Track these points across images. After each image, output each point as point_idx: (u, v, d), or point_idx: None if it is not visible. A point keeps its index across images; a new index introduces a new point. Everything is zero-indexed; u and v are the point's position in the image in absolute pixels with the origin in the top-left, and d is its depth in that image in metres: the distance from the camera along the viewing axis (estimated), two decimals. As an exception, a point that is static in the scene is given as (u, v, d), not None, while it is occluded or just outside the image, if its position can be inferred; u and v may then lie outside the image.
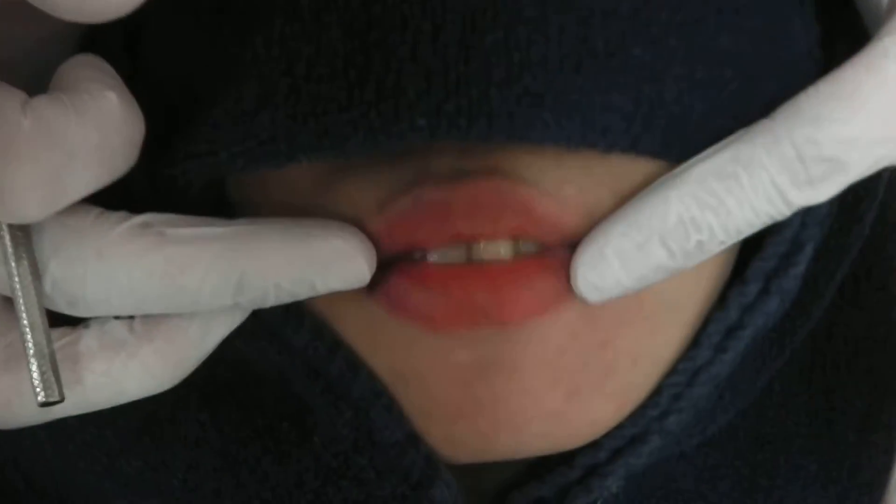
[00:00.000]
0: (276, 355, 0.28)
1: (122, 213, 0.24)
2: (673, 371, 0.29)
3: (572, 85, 0.23)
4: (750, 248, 0.29)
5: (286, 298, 0.24)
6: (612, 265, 0.25)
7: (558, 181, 0.26)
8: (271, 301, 0.24)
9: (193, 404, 0.28)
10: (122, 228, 0.23)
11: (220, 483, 0.28)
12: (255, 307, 0.24)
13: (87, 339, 0.24)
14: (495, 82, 0.23)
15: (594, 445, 0.29)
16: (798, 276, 0.29)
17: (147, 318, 0.24)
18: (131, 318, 0.24)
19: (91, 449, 0.28)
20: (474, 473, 0.30)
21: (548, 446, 0.28)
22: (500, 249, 0.26)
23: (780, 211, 0.24)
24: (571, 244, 0.26)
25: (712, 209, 0.24)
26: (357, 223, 0.26)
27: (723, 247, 0.25)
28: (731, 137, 0.25)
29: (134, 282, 0.23)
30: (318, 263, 0.24)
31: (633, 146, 0.24)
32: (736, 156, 0.24)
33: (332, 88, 0.24)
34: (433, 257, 0.26)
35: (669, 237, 0.24)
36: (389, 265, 0.27)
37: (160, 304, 0.23)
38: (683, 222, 0.24)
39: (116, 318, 0.24)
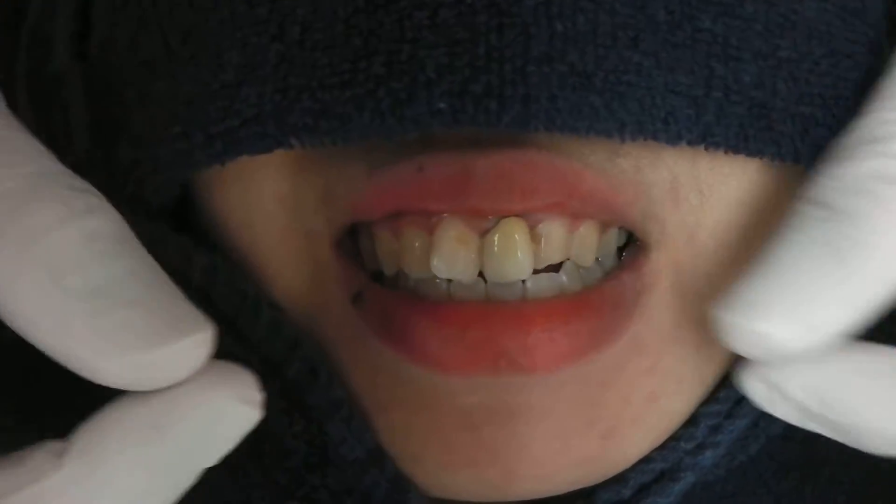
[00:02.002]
0: (233, 345, 0.24)
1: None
2: (713, 399, 0.26)
3: (628, 63, 0.20)
4: None
5: None
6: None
7: (608, 155, 0.22)
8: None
9: None
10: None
11: None
12: None
13: None
14: (534, 57, 0.19)
15: (618, 480, 0.26)
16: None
17: None
18: None
19: None
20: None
21: (570, 488, 0.25)
22: (541, 283, 0.23)
23: None
24: (623, 229, 0.23)
25: None
26: (334, 200, 0.23)
27: None
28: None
29: None
30: None
31: (704, 137, 0.21)
32: None
33: (332, 58, 0.20)
34: (458, 291, 0.24)
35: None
36: (385, 281, 0.24)
37: None
38: None
39: None
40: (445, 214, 0.23)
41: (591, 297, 0.23)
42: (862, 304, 0.21)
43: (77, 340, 0.19)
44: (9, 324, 0.19)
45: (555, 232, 0.24)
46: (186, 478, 0.20)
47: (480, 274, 0.24)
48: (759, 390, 0.22)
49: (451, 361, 0.23)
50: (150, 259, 0.20)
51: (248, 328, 0.25)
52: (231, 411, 0.20)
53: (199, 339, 0.20)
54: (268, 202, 0.25)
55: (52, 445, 0.20)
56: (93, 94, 0.25)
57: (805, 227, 0.21)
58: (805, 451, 0.30)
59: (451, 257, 0.24)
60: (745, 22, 0.21)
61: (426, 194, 0.23)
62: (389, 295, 0.24)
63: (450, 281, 0.24)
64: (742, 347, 0.22)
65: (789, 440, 0.30)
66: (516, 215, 0.23)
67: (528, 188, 0.22)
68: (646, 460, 0.26)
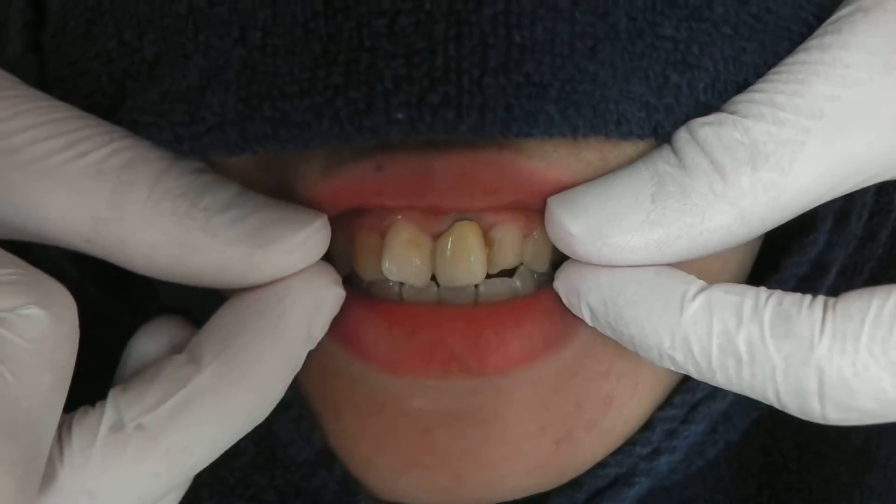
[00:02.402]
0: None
1: (83, 424, 0.20)
2: (668, 403, 0.25)
3: (584, 73, 0.20)
4: (766, 266, 0.26)
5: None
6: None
7: (571, 150, 0.22)
8: None
9: None
10: (99, 450, 0.20)
11: None
12: None
13: None
14: (491, 68, 0.19)
15: (572, 484, 0.26)
16: None
17: None
18: None
19: None
20: None
21: (523, 494, 0.24)
22: (494, 287, 0.23)
23: None
24: None
25: None
26: (292, 193, 0.23)
27: None
28: None
29: (144, 491, 0.21)
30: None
31: (655, 131, 0.21)
32: None
33: (293, 65, 0.19)
34: (407, 292, 0.23)
35: None
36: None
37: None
38: None
39: None
40: (399, 217, 0.23)
41: (543, 298, 0.23)
42: (667, 252, 0.21)
43: (228, 246, 0.21)
44: (148, 266, 0.21)
45: (509, 237, 0.24)
46: (300, 363, 0.22)
47: (434, 278, 0.24)
48: (562, 289, 0.23)
49: (401, 363, 0.23)
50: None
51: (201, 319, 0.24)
52: (330, 293, 0.22)
53: (323, 221, 0.22)
54: None
55: (175, 358, 0.21)
56: (47, 84, 0.24)
57: (652, 161, 0.21)
58: (764, 456, 0.30)
59: (402, 260, 0.23)
60: (712, 25, 0.21)
61: (385, 191, 0.22)
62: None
63: (402, 284, 0.24)
64: (551, 235, 0.22)
65: (748, 446, 0.30)
66: (472, 219, 0.23)
67: (489, 187, 0.22)
68: (601, 465, 0.25)
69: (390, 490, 0.25)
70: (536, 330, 0.23)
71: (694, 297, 0.21)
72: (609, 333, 0.22)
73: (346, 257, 0.25)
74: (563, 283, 0.23)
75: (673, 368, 0.21)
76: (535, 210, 0.23)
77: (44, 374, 0.19)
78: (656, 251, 0.21)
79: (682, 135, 0.21)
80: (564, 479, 0.25)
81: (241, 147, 0.20)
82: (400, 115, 0.19)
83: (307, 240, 0.22)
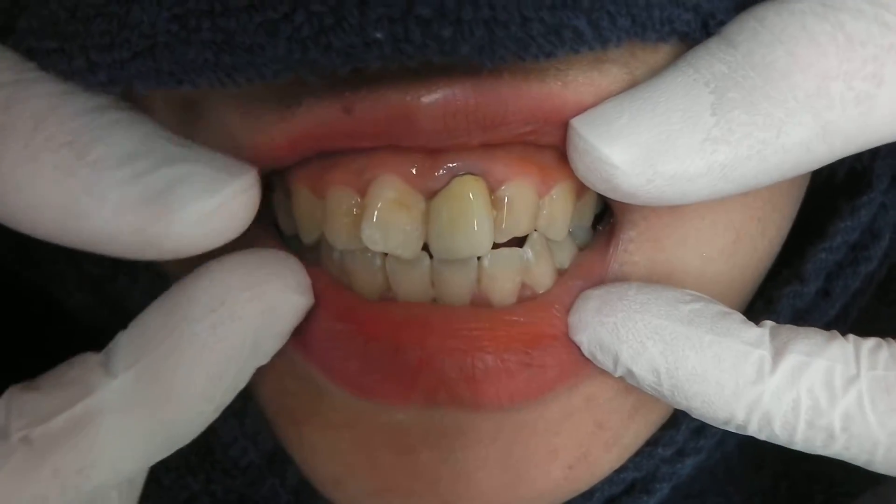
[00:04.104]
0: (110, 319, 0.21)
1: None
2: None
3: None
4: (801, 229, 0.23)
5: None
6: None
7: (592, 62, 0.18)
8: None
9: None
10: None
11: None
12: None
13: None
14: None
15: (583, 493, 0.22)
16: (867, 276, 0.22)
17: None
18: None
19: None
20: None
21: None
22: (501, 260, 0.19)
23: None
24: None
25: None
26: (240, 141, 0.19)
27: None
28: None
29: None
30: None
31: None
32: None
33: None
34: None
35: None
36: (303, 250, 0.20)
37: None
38: None
39: None
40: (383, 175, 0.19)
41: (562, 306, 0.19)
42: (732, 177, 0.17)
43: (116, 215, 0.17)
44: (33, 229, 0.17)
45: (521, 196, 0.19)
46: (243, 379, 0.18)
47: (426, 248, 0.20)
48: (583, 338, 0.19)
49: (375, 388, 0.19)
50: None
51: (125, 297, 0.21)
52: (285, 303, 0.18)
53: (249, 180, 0.18)
54: None
55: (89, 357, 0.18)
56: None
57: (703, 62, 0.17)
58: (779, 446, 0.27)
59: (387, 225, 0.19)
60: None
61: (357, 134, 0.18)
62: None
63: (385, 256, 0.20)
64: (581, 168, 0.18)
65: None
66: (476, 173, 0.19)
67: (491, 119, 0.18)
68: (616, 469, 0.22)
69: None
70: (551, 361, 0.19)
71: (773, 369, 0.18)
72: (657, 396, 0.19)
73: (314, 219, 0.20)
74: (584, 331, 0.19)
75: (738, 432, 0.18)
76: (551, 155, 0.19)
77: None
78: (720, 177, 0.17)
79: (747, 24, 0.17)
80: (576, 495, 0.21)
81: (175, 77, 0.17)
82: (379, 34, 0.15)
83: (224, 206, 0.17)
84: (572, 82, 0.18)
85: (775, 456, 0.27)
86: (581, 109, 0.18)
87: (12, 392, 0.18)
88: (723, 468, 0.27)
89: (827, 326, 0.22)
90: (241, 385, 0.18)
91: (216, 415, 0.18)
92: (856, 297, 0.24)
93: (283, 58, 0.16)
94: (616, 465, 0.21)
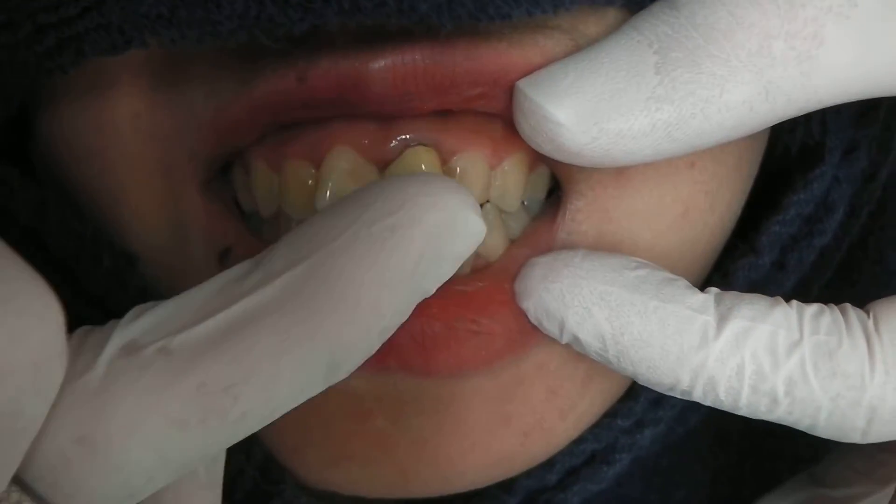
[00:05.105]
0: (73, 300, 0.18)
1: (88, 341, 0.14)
2: None
3: None
4: (759, 204, 0.23)
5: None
6: None
7: (535, 28, 0.18)
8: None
9: None
10: (98, 379, 0.14)
11: None
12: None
13: None
14: None
15: (543, 464, 0.22)
16: (821, 249, 0.22)
17: None
18: None
19: None
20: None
21: (484, 485, 0.21)
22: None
23: None
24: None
25: None
26: (201, 114, 0.19)
27: None
28: None
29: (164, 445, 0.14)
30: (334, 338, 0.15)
31: None
32: None
33: None
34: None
35: None
36: (263, 225, 0.20)
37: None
38: None
39: None
40: (337, 147, 0.19)
41: (509, 275, 0.19)
42: (677, 136, 0.17)
43: None
44: None
45: (473, 167, 0.19)
46: (408, 306, 0.15)
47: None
48: (528, 306, 0.19)
49: None
50: None
51: (86, 278, 0.20)
52: (469, 221, 0.15)
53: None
54: (120, 121, 0.20)
55: (226, 271, 0.15)
56: None
57: (647, 24, 0.17)
58: (745, 421, 0.27)
59: (342, 195, 0.19)
60: None
61: (311, 103, 0.18)
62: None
63: None
64: (526, 129, 0.18)
65: (728, 413, 0.27)
66: (428, 144, 0.19)
67: (440, 83, 0.18)
68: (576, 441, 0.22)
69: (325, 482, 0.21)
70: (499, 328, 0.19)
71: (717, 334, 0.18)
72: (603, 363, 0.19)
73: (272, 193, 0.20)
74: (529, 298, 0.19)
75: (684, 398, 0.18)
76: (503, 127, 0.19)
77: None
78: (665, 136, 0.17)
79: None
80: (535, 464, 0.22)
81: (125, 36, 0.16)
82: None
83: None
84: (518, 43, 0.18)
85: (741, 433, 0.27)
86: (527, 71, 0.18)
87: (139, 309, 0.15)
88: (688, 446, 0.27)
89: (785, 300, 0.23)
90: (406, 313, 0.15)
91: (380, 340, 0.15)
92: (816, 273, 0.24)
93: (240, 13, 0.16)
94: (573, 435, 0.21)
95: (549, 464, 0.22)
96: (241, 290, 0.14)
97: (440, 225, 0.15)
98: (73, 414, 0.14)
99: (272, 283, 0.14)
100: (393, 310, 0.15)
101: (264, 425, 0.15)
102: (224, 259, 0.20)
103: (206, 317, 0.14)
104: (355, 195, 0.15)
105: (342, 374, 0.15)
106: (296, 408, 0.19)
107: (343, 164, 0.19)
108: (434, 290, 0.16)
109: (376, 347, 0.15)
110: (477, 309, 0.19)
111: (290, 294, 0.14)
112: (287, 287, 0.14)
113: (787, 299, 0.22)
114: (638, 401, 0.22)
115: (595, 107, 0.17)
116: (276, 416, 0.15)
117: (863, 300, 0.26)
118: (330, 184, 0.19)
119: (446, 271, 0.15)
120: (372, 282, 0.14)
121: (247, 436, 0.15)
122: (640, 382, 0.19)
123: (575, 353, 0.20)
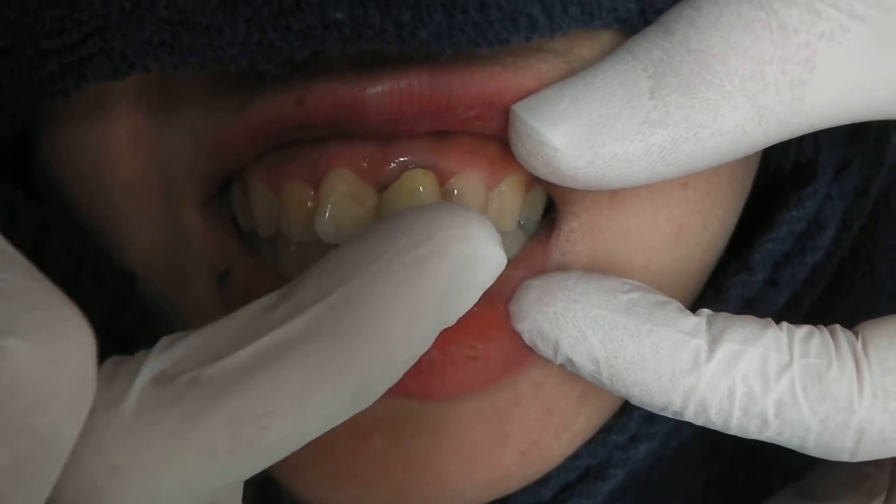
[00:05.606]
0: None
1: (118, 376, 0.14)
2: None
3: None
4: (752, 221, 0.23)
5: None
6: None
7: (529, 52, 0.18)
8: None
9: None
10: (130, 409, 0.14)
11: None
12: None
13: None
14: None
15: (538, 480, 0.22)
16: (813, 265, 0.22)
17: None
18: None
19: None
20: None
21: (482, 501, 0.21)
22: None
23: None
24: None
25: None
26: (201, 134, 0.19)
27: None
28: None
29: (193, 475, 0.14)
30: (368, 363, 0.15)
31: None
32: None
33: None
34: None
35: None
36: (261, 245, 0.20)
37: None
38: None
39: None
40: (336, 169, 0.19)
41: (504, 297, 0.19)
42: (671, 160, 0.17)
43: None
44: None
45: (470, 188, 0.20)
46: (431, 335, 0.16)
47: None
48: (524, 328, 0.19)
49: None
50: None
51: (87, 298, 0.20)
52: (490, 253, 0.16)
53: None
54: (120, 141, 0.20)
55: (255, 302, 0.15)
56: None
57: (641, 49, 0.18)
58: None
59: (340, 217, 0.19)
60: None
61: (308, 125, 0.19)
62: (260, 275, 0.20)
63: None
64: (521, 152, 0.18)
65: None
66: (426, 166, 0.19)
67: (435, 106, 0.18)
68: (570, 456, 0.22)
69: (323, 501, 0.21)
70: (494, 352, 0.19)
71: (709, 357, 0.18)
72: (597, 384, 0.19)
73: (271, 214, 0.20)
74: (524, 321, 0.19)
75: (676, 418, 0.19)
76: (500, 148, 0.19)
77: None
78: (659, 159, 0.17)
79: (684, 12, 0.17)
80: (531, 482, 0.22)
81: (127, 61, 0.16)
82: (339, 15, 0.15)
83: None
84: (512, 66, 0.18)
85: (733, 444, 0.28)
86: (522, 95, 0.18)
87: (169, 339, 0.15)
88: (681, 457, 0.27)
89: (777, 316, 0.23)
90: (430, 343, 0.15)
91: (404, 370, 0.15)
92: (807, 288, 0.24)
93: (242, 40, 0.16)
94: (568, 452, 0.21)
95: (543, 480, 0.23)
96: (272, 321, 0.15)
97: (466, 257, 0.15)
98: (107, 443, 0.14)
99: (303, 314, 0.15)
100: (419, 341, 0.15)
101: (291, 453, 0.15)
102: (223, 280, 0.20)
103: (237, 348, 0.14)
104: (383, 225, 0.16)
105: (367, 403, 0.15)
106: None
107: (342, 186, 0.19)
108: (456, 321, 0.16)
109: (400, 377, 0.15)
110: (473, 334, 0.19)
111: (321, 326, 0.14)
112: (318, 318, 0.14)
113: (780, 314, 0.23)
114: (632, 416, 0.23)
115: (590, 131, 0.17)
116: (303, 444, 0.15)
117: (854, 311, 0.27)
118: (329, 206, 0.19)
119: (469, 301, 0.16)
120: (401, 315, 0.15)
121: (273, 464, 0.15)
122: (634, 403, 0.19)
123: (569, 378, 0.20)
